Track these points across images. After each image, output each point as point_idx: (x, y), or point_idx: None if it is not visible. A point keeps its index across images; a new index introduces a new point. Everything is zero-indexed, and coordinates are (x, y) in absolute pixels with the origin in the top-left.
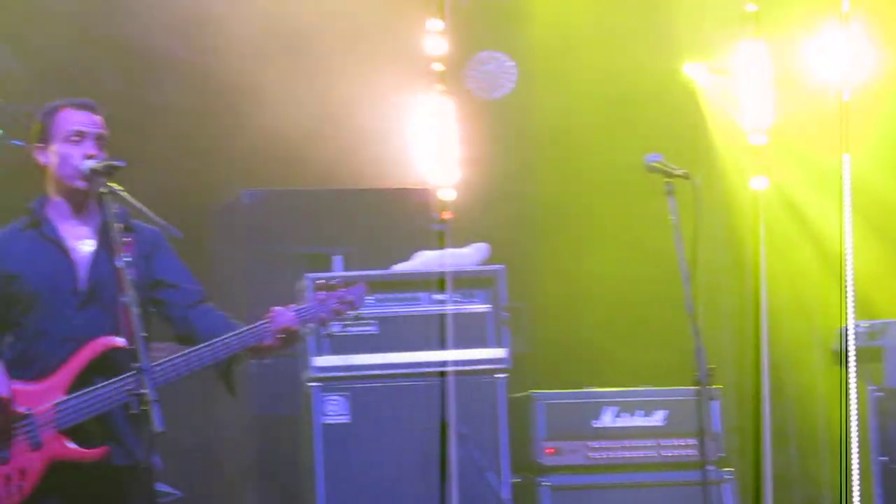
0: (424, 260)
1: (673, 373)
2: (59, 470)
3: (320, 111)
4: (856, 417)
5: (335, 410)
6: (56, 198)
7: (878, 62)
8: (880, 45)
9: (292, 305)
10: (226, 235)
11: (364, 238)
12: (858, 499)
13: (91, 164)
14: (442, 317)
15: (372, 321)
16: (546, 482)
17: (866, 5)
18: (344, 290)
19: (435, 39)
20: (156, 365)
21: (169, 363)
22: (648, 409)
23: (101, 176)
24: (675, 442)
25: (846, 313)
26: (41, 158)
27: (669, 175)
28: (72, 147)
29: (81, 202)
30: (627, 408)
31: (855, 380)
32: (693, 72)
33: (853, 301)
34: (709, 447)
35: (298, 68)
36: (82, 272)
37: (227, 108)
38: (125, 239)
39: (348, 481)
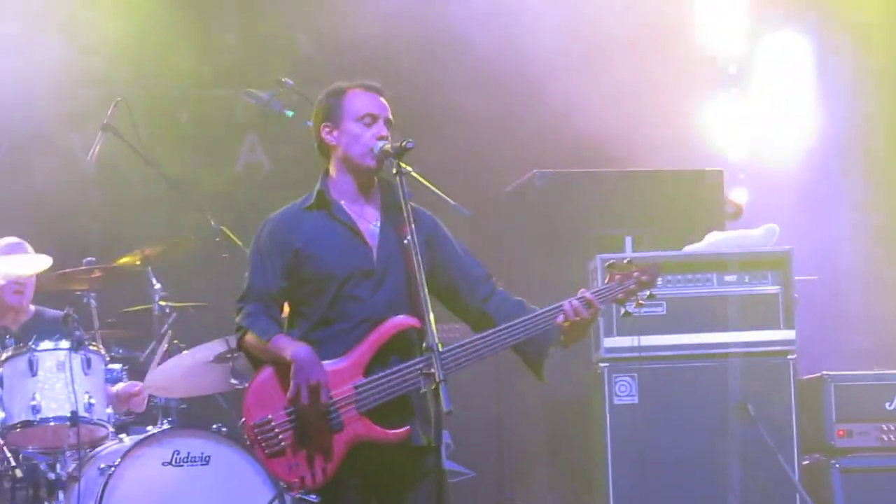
0: (715, 241)
1: None
2: (359, 451)
3: (613, 92)
4: None
5: (624, 391)
6: (342, 178)
7: None
8: None
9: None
10: (518, 216)
11: (656, 220)
12: None
13: (383, 144)
14: (731, 298)
15: (660, 302)
16: (837, 464)
17: None
18: (639, 270)
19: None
20: (456, 346)
21: (470, 345)
22: None
23: (391, 157)
24: None
25: None
26: (329, 139)
27: None
28: (363, 128)
29: (368, 182)
30: None
31: None
32: None
33: None
34: None
35: (591, 51)
36: (374, 253)
37: (520, 92)
38: (413, 220)
39: (636, 461)
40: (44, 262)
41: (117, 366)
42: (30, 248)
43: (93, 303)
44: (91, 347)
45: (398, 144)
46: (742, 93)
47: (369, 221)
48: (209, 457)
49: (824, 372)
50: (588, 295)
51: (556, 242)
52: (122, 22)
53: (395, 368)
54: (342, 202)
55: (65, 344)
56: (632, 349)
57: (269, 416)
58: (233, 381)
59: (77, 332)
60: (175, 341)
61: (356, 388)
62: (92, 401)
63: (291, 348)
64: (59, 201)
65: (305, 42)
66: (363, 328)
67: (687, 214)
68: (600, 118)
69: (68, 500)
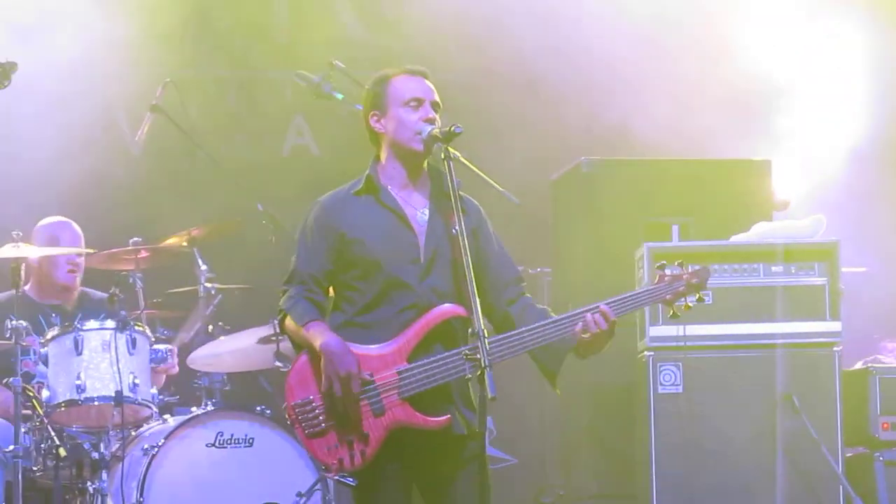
0: (762, 231)
1: None
2: (399, 436)
3: (659, 80)
4: None
5: (669, 380)
6: (391, 164)
7: None
8: None
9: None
10: (564, 204)
11: (703, 208)
12: None
13: (431, 128)
14: (777, 289)
15: (706, 292)
16: (881, 457)
17: None
18: (689, 273)
19: None
20: (501, 337)
21: (517, 337)
22: None
23: (439, 141)
24: None
25: None
26: (377, 126)
27: None
28: (410, 112)
29: (417, 169)
30: None
31: None
32: None
33: None
34: None
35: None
36: (422, 240)
37: (567, 78)
38: (461, 207)
39: (679, 450)
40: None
41: (162, 346)
42: (77, 228)
43: (139, 283)
44: (136, 327)
45: (446, 129)
46: (792, 83)
47: (416, 208)
48: (253, 439)
49: (869, 364)
50: (603, 307)
51: (603, 230)
52: (172, 3)
53: (439, 356)
54: (390, 188)
55: (110, 324)
56: (677, 338)
57: (311, 397)
58: (277, 363)
59: (122, 312)
60: (220, 323)
61: (399, 373)
62: (137, 381)
63: (322, 338)
64: (107, 181)
65: (355, 25)
66: (409, 314)
67: (734, 204)
68: (655, 104)
69: (111, 479)
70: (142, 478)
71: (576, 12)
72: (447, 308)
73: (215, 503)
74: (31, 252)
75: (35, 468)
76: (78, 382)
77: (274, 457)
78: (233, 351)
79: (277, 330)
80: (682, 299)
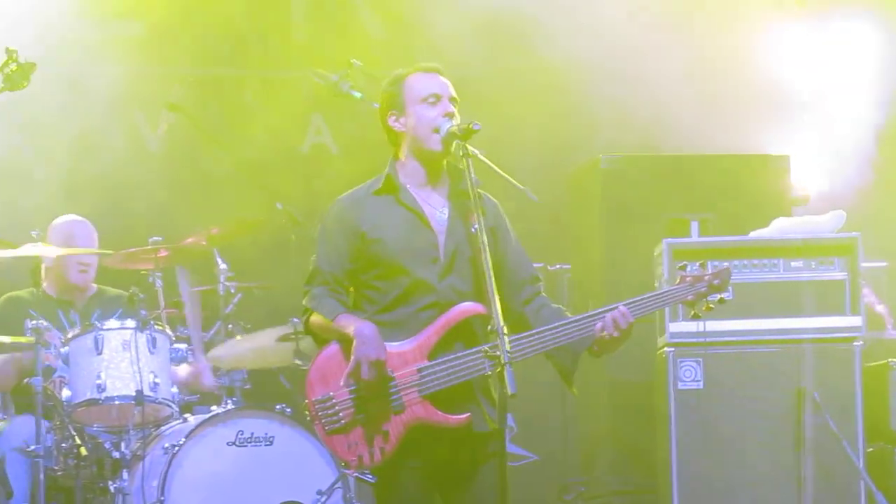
0: (781, 227)
1: None
2: (419, 434)
3: (682, 78)
4: None
5: (689, 376)
6: (410, 163)
7: None
8: None
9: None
10: (584, 200)
11: (722, 204)
12: None
13: (449, 125)
14: (797, 284)
15: (727, 290)
16: None
17: None
18: (711, 274)
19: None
20: (523, 336)
21: (538, 335)
22: None
23: (458, 138)
24: None
25: None
26: (396, 126)
27: None
28: (428, 108)
29: (436, 168)
30: None
31: None
32: None
33: None
34: None
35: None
36: (441, 240)
37: (587, 75)
38: (480, 205)
39: (700, 446)
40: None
41: (182, 345)
42: (91, 227)
43: (158, 282)
44: (156, 327)
45: (465, 126)
46: (811, 79)
47: (436, 207)
48: (273, 437)
49: (890, 359)
50: (623, 308)
51: (622, 226)
52: (190, 1)
53: (459, 353)
54: (409, 187)
55: (130, 323)
56: (697, 334)
57: (331, 393)
58: (296, 361)
59: (142, 312)
60: (240, 322)
61: (420, 371)
62: (157, 380)
63: (356, 324)
64: (126, 180)
65: (373, 23)
66: (429, 313)
67: (753, 200)
68: (675, 100)
69: (132, 478)
70: (162, 477)
71: (595, 9)
72: (467, 306)
73: (236, 501)
74: (45, 252)
75: (56, 468)
76: (98, 382)
77: (294, 455)
78: (252, 349)
79: (300, 329)
80: (704, 300)
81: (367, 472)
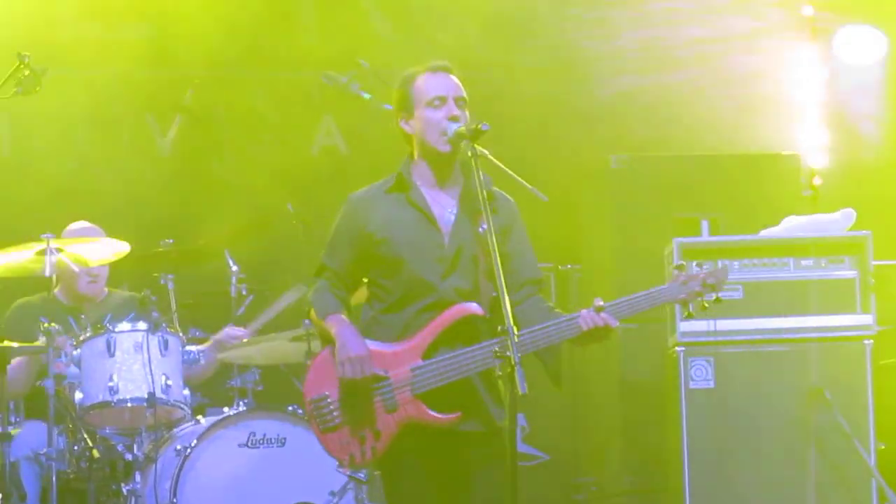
0: (792, 225)
1: None
2: (412, 432)
3: (692, 78)
4: None
5: (700, 375)
6: (422, 163)
7: None
8: None
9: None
10: (594, 200)
11: (732, 203)
12: None
13: (456, 126)
14: (808, 283)
15: (737, 286)
16: None
17: None
18: (705, 273)
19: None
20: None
21: (541, 331)
22: None
23: (466, 139)
24: None
25: None
26: (406, 128)
27: None
28: (434, 111)
29: (447, 168)
30: None
31: None
32: None
33: None
34: None
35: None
36: (447, 240)
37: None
38: (492, 206)
39: (711, 445)
40: (117, 248)
41: (194, 347)
42: (103, 233)
43: (170, 284)
44: (168, 329)
45: (473, 127)
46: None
47: (445, 208)
48: (285, 439)
49: None
50: (600, 303)
51: (632, 225)
52: (199, 4)
53: (451, 353)
54: (420, 186)
55: (142, 325)
56: (708, 333)
57: (327, 393)
58: (308, 362)
59: (154, 314)
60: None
61: (413, 370)
62: (169, 382)
63: (338, 327)
64: (137, 183)
65: (383, 24)
66: (430, 314)
67: (763, 198)
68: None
69: (145, 480)
70: (175, 479)
71: (604, 8)
72: (463, 306)
73: (248, 503)
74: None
75: (69, 470)
76: (111, 384)
77: (306, 456)
78: (264, 348)
79: (311, 330)
80: (698, 298)
81: (359, 471)
